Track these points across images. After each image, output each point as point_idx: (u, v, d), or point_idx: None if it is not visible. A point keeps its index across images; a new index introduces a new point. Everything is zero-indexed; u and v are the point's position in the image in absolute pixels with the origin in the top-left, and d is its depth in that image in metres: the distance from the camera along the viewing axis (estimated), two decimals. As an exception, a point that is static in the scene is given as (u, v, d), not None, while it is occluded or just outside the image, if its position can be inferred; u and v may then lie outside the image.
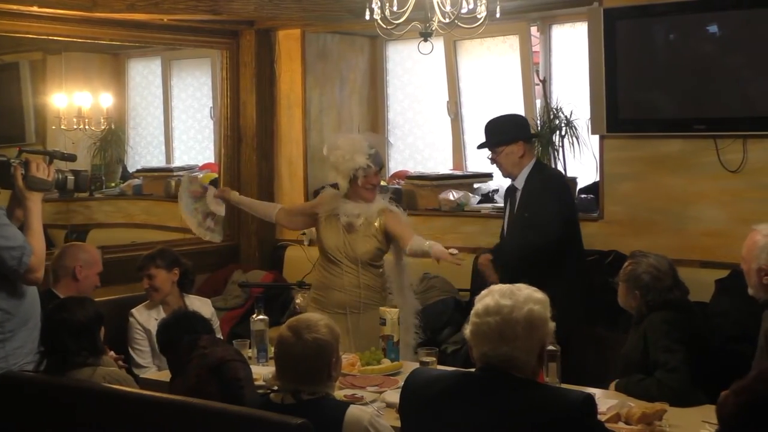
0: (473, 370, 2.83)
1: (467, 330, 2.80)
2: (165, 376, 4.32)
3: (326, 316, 3.28)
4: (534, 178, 5.01)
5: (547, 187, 4.97)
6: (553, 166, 6.09)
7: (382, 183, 6.87)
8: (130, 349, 4.80)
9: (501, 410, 2.67)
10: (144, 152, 8.44)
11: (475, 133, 6.96)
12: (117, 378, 3.70)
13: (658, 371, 3.76)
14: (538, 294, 2.79)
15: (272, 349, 3.42)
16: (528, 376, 2.73)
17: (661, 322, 3.88)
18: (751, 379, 2.07)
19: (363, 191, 4.83)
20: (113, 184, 8.09)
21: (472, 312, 2.79)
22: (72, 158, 4.15)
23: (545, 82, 6.33)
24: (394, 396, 3.76)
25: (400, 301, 4.85)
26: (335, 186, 4.96)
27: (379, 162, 4.86)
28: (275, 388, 3.20)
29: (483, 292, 2.83)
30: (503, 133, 5.05)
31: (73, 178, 4.04)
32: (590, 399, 2.69)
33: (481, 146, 5.17)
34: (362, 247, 4.83)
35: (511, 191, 5.10)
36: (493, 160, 5.11)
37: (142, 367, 4.73)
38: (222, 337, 4.58)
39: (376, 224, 4.85)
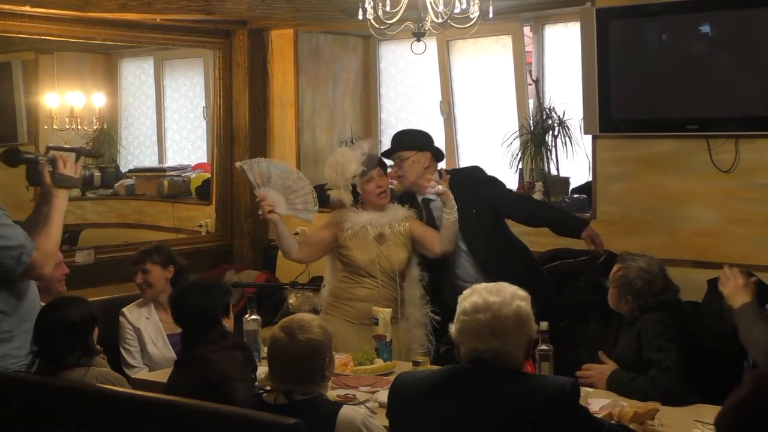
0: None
1: (453, 328, 2.84)
2: (158, 376, 4.32)
3: (319, 318, 3.29)
4: (453, 180, 4.90)
5: (480, 176, 5.03)
6: (546, 166, 6.10)
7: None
8: (120, 349, 4.80)
9: (489, 399, 2.71)
10: (136, 152, 8.44)
11: (467, 133, 6.97)
12: (110, 379, 3.69)
13: (651, 370, 3.77)
14: (521, 291, 2.85)
15: (265, 349, 3.42)
16: (515, 368, 2.78)
17: (655, 322, 3.89)
18: (750, 390, 2.05)
19: (374, 198, 4.74)
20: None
21: (459, 310, 2.83)
22: (99, 155, 4.15)
23: (538, 82, 6.34)
24: (386, 396, 3.76)
25: (411, 312, 4.78)
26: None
27: (374, 163, 4.77)
28: (268, 388, 3.20)
29: (466, 292, 2.87)
30: (413, 141, 4.95)
31: (99, 174, 4.07)
32: (577, 385, 2.74)
33: (386, 153, 4.96)
34: (396, 256, 4.73)
35: (425, 203, 4.91)
36: (396, 168, 4.88)
37: (132, 366, 4.71)
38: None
39: (403, 231, 4.77)
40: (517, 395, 2.68)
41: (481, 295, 2.81)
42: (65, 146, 4.07)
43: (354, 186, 4.73)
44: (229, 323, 3.84)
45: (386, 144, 7.34)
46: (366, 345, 4.55)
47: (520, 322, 2.78)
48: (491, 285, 2.86)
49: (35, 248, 3.68)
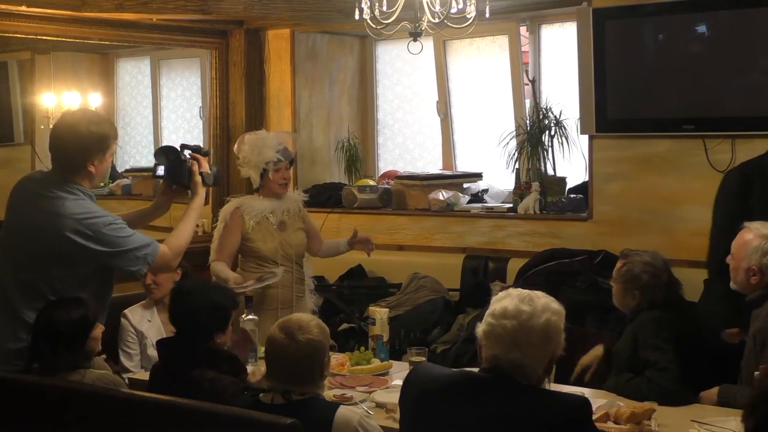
0: (476, 370, 2.82)
1: (480, 329, 2.77)
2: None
3: (316, 317, 3.28)
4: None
5: None
6: (543, 166, 6.10)
7: (372, 183, 6.89)
8: (119, 350, 4.78)
9: (497, 413, 2.66)
10: (133, 152, 8.43)
11: (464, 133, 6.97)
12: (107, 382, 3.68)
13: (648, 370, 3.77)
14: (555, 304, 2.77)
15: (262, 349, 3.41)
16: (531, 383, 2.71)
17: (649, 322, 3.89)
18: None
19: (276, 186, 4.94)
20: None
21: (489, 312, 2.76)
22: (208, 153, 4.25)
23: (534, 82, 6.34)
24: (383, 396, 3.77)
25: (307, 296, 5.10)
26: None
27: (287, 156, 4.98)
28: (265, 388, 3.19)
29: (501, 294, 2.80)
30: None
31: (214, 173, 4.18)
32: (586, 403, 2.69)
33: None
34: (295, 240, 4.99)
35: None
36: None
37: (128, 370, 4.70)
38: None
39: (299, 215, 5.04)
40: (528, 409, 2.64)
41: (513, 300, 2.74)
42: (190, 145, 4.16)
43: (264, 170, 4.92)
44: (225, 339, 3.75)
45: (383, 144, 7.36)
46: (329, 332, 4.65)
47: (547, 337, 2.70)
48: (525, 292, 2.77)
49: (162, 246, 3.79)
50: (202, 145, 4.47)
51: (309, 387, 3.10)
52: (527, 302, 2.73)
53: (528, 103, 6.45)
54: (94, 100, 7.66)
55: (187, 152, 4.04)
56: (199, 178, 3.98)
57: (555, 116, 6.10)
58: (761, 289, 3.82)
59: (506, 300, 2.75)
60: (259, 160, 4.92)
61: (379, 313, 4.48)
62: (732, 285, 3.93)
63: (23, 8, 5.67)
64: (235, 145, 5.09)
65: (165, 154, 4.05)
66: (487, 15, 4.27)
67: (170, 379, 3.56)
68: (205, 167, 4.02)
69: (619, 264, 4.10)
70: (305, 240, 5.07)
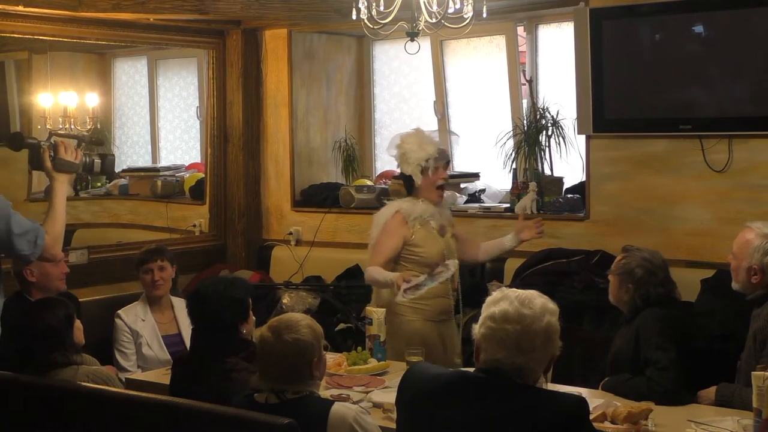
0: (472, 370, 2.82)
1: (478, 332, 2.74)
2: (151, 376, 4.32)
3: (309, 317, 3.28)
4: None
5: None
6: (540, 166, 6.10)
7: (369, 183, 6.89)
8: (114, 350, 4.79)
9: (494, 413, 2.65)
10: (130, 152, 8.42)
11: (462, 133, 6.97)
12: (101, 377, 3.68)
13: (649, 369, 3.77)
14: (551, 304, 2.75)
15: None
16: (529, 383, 2.70)
17: (655, 320, 3.89)
18: None
19: (433, 188, 4.77)
20: (99, 184, 8.06)
21: (487, 315, 2.73)
22: (99, 142, 4.26)
23: (532, 82, 6.34)
24: (380, 396, 3.77)
25: None
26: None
27: (446, 155, 4.88)
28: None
29: (496, 295, 2.77)
30: None
31: (99, 161, 4.19)
32: (583, 402, 2.69)
33: None
34: (453, 246, 4.84)
35: None
36: None
37: (125, 370, 4.71)
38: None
39: (450, 220, 4.90)
40: (525, 408, 2.63)
41: (512, 303, 2.70)
42: (68, 133, 4.17)
43: (425, 168, 4.74)
44: (249, 328, 3.80)
45: (381, 144, 7.36)
46: (446, 341, 4.69)
47: (548, 339, 2.70)
48: (522, 294, 2.74)
49: (44, 232, 3.77)
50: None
51: (302, 386, 3.11)
52: (527, 305, 2.70)
53: (525, 103, 6.46)
54: (91, 100, 7.65)
55: (54, 138, 4.03)
56: (48, 164, 3.94)
57: (552, 116, 6.10)
58: (762, 289, 3.82)
59: (504, 303, 2.72)
60: (419, 156, 4.72)
61: (376, 313, 4.47)
62: (733, 285, 3.94)
63: (20, 8, 5.66)
64: (392, 145, 4.92)
65: (7, 139, 4.11)
66: (485, 15, 4.28)
67: (201, 366, 3.65)
68: (64, 154, 3.96)
69: (619, 257, 4.12)
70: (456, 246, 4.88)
